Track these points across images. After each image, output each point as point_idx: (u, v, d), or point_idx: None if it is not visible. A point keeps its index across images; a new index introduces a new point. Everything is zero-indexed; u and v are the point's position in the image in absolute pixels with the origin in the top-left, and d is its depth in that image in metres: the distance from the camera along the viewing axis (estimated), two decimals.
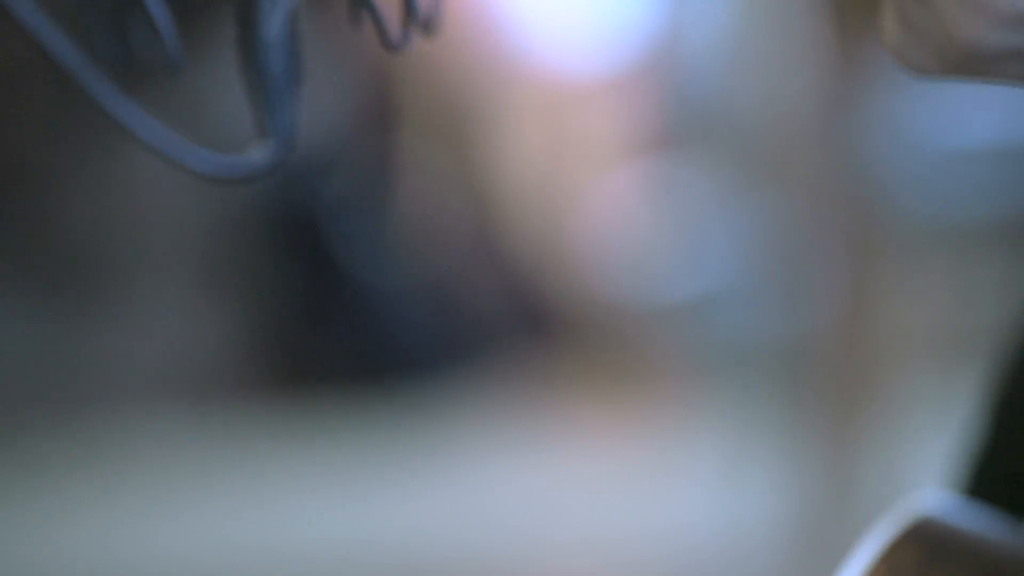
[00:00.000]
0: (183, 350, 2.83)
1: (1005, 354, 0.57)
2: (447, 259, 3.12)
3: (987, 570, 0.44)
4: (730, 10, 2.44)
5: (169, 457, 2.61)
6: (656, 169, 3.15)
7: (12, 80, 2.78)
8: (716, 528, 2.45)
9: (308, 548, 2.39)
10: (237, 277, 2.96)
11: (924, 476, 2.09)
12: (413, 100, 3.15)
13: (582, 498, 2.55)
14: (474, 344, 3.00)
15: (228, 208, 2.91)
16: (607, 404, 2.94)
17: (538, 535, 2.46)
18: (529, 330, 3.10)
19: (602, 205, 3.20)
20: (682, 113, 3.11)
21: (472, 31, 3.05)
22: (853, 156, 2.01)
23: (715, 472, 2.57)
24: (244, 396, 2.80)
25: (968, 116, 2.15)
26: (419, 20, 0.47)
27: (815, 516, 2.20)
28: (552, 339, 3.07)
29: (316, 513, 2.46)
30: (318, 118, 2.96)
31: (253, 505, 2.47)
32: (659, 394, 2.88)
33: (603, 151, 3.32)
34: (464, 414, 2.77)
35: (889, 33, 0.34)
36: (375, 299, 3.01)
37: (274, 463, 2.59)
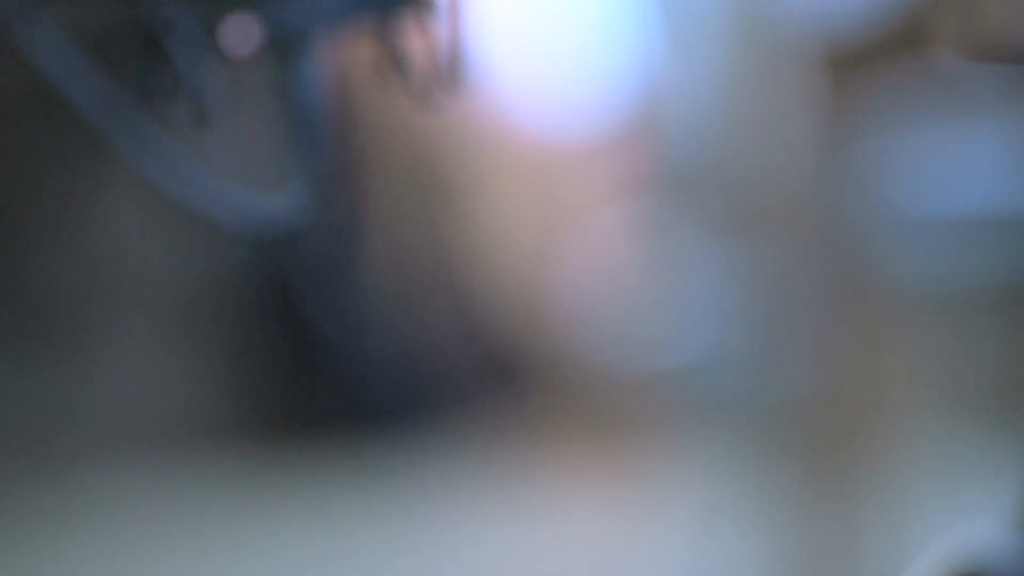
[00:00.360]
0: (159, 403, 2.82)
1: None
2: (427, 317, 3.12)
3: None
4: (719, 71, 2.46)
5: (145, 510, 2.60)
6: (643, 229, 3.16)
7: None
8: None
9: None
10: (215, 330, 2.95)
11: (914, 544, 2.10)
12: (396, 160, 3.17)
13: (556, 558, 2.54)
14: (453, 403, 2.99)
15: (207, 260, 2.90)
16: (587, 465, 2.93)
17: None
18: (510, 389, 3.09)
19: (588, 266, 3.21)
20: (670, 174, 3.13)
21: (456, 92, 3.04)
22: (846, 219, 2.02)
23: (695, 536, 2.57)
24: (220, 449, 2.79)
25: (963, 182, 2.16)
26: (448, 78, 0.48)
27: None
28: (535, 400, 3.06)
29: (290, 565, 2.45)
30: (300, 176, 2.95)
31: (228, 557, 2.46)
32: (641, 454, 2.88)
33: (589, 212, 3.34)
34: (441, 473, 2.76)
35: (947, 29, 0.41)
36: (353, 353, 3.01)
37: (249, 517, 2.58)
